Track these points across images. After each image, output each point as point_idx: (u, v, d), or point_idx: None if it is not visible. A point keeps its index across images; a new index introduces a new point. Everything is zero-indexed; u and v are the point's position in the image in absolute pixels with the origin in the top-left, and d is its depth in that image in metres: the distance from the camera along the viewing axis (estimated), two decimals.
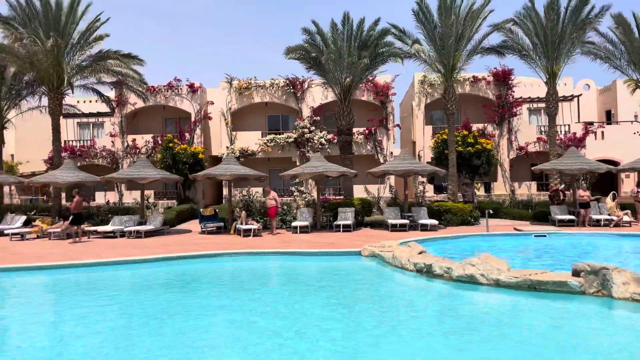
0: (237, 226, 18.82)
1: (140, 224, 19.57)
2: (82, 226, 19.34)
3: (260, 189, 27.33)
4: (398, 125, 31.57)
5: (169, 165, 27.18)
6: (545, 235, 16.69)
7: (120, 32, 72.35)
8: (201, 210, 21.13)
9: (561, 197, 21.97)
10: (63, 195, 23.20)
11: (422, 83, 29.96)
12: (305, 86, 30.05)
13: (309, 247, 14.36)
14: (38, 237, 18.92)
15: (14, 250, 15.01)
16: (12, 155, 35.14)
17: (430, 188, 28.33)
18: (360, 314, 7.81)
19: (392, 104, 29.89)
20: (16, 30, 21.59)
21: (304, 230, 18.93)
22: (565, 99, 30.29)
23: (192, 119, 30.64)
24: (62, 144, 25.56)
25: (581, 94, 33.01)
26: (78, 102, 31.41)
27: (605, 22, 55.35)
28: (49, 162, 30.15)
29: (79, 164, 26.54)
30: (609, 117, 35.60)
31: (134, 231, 18.44)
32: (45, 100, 24.86)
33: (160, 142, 29.58)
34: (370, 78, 27.77)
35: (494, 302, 8.42)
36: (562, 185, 23.13)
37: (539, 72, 23.51)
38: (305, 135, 29.28)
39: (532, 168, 22.10)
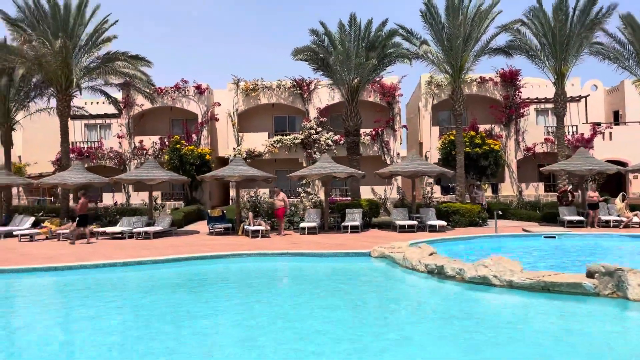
0: (244, 227, 18.82)
1: (148, 225, 19.60)
2: (91, 227, 19.43)
3: (267, 190, 27.38)
4: (405, 126, 31.51)
5: (176, 167, 27.23)
6: (554, 237, 16.61)
7: (121, 32, 72.66)
8: (209, 211, 21.15)
9: (570, 198, 21.86)
10: (71, 196, 23.25)
11: (429, 84, 29.89)
12: (312, 87, 30.05)
13: (318, 248, 14.33)
14: (47, 238, 18.98)
15: (23, 251, 15.06)
16: (20, 157, 35.29)
17: (437, 189, 28.24)
18: (374, 316, 7.79)
19: (399, 105, 29.84)
20: (25, 32, 21.69)
21: (311, 231, 18.90)
22: (573, 99, 30.15)
23: (199, 120, 30.69)
24: (70, 146, 25.63)
25: (589, 95, 32.83)
26: (85, 103, 31.53)
27: (613, 22, 55.16)
28: (56, 164, 30.24)
29: (86, 165, 26.61)
30: (617, 118, 35.40)
31: (142, 232, 18.46)
32: (53, 102, 24.98)
33: (167, 143, 29.65)
34: (377, 79, 27.73)
35: (508, 304, 8.37)
36: (570, 186, 23.01)
37: (547, 72, 23.42)
38: (312, 137, 29.26)
39: (541, 169, 21.99)
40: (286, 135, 29.99)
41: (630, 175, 30.69)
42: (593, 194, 19.48)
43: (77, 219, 17.51)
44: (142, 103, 30.29)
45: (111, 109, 30.61)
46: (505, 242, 15.98)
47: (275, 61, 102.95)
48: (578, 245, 15.46)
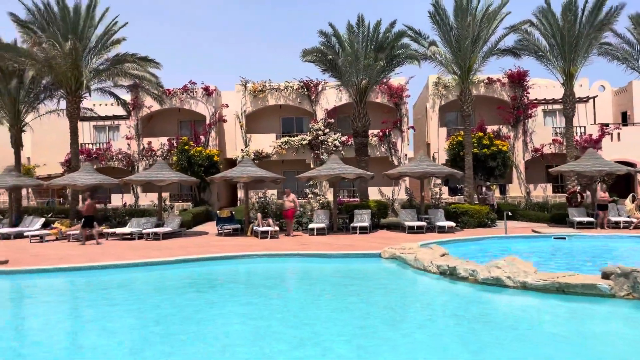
0: (253, 228, 18.86)
1: (157, 226, 19.68)
2: (100, 228, 19.53)
3: (275, 191, 27.42)
4: (412, 127, 31.46)
5: (185, 168, 27.32)
6: (564, 238, 16.56)
7: (128, 34, 72.91)
8: (218, 212, 21.21)
9: (579, 199, 21.78)
10: (80, 197, 23.36)
11: (436, 85, 29.83)
12: (320, 88, 30.06)
13: (328, 249, 14.36)
14: (57, 239, 19.09)
15: (34, 252, 15.16)
16: (29, 158, 35.47)
17: (445, 190, 28.20)
18: (389, 318, 7.80)
19: (406, 106, 29.82)
20: (35, 34, 21.82)
21: (320, 232, 18.92)
22: (581, 100, 30.01)
23: (207, 122, 30.76)
24: (79, 147, 25.71)
25: (597, 95, 32.68)
26: (94, 105, 31.67)
27: (622, 22, 54.89)
28: (65, 165, 30.41)
29: (95, 167, 26.72)
30: (625, 119, 35.20)
31: (151, 233, 18.52)
32: (62, 104, 25.11)
33: (175, 144, 29.75)
34: (385, 80, 27.71)
35: (523, 305, 8.36)
36: (578, 187, 22.94)
37: (555, 73, 23.36)
38: (320, 138, 29.27)
39: (550, 170, 21.93)
40: (294, 137, 30.02)
41: (639, 176, 30.51)
42: (603, 195, 19.40)
43: (83, 220, 17.63)
44: (150, 105, 30.41)
45: (120, 111, 30.74)
46: (515, 243, 15.95)
47: (283, 63, 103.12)
48: (589, 246, 15.41)
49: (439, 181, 26.83)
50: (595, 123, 31.49)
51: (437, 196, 23.18)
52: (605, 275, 8.44)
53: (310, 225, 19.00)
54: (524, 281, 8.79)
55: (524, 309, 8.20)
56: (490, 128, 28.59)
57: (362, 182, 22.78)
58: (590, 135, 29.34)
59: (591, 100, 31.78)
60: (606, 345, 6.31)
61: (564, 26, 22.10)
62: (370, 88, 22.73)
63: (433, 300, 9.20)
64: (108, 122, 33.44)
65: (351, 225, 19.45)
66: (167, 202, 27.53)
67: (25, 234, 19.30)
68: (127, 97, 29.75)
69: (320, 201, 24.12)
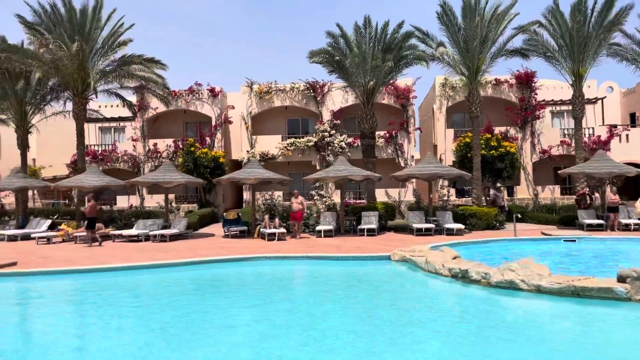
0: (260, 230, 18.77)
1: (164, 227, 19.62)
2: (107, 230, 19.52)
3: (281, 193, 27.32)
4: (419, 128, 31.30)
5: (191, 169, 27.26)
6: (574, 240, 16.39)
7: (133, 35, 73.06)
8: (224, 214, 21.14)
9: (588, 201, 21.61)
10: (86, 198, 23.37)
11: (443, 86, 29.67)
12: (326, 90, 29.96)
13: (337, 252, 14.26)
14: (64, 240, 19.04)
15: (42, 254, 15.09)
16: (34, 160, 35.50)
17: (452, 192, 28.03)
18: (401, 322, 7.68)
19: (413, 107, 29.69)
20: (42, 35, 21.82)
21: (328, 234, 18.81)
22: (589, 101, 29.80)
23: (213, 123, 30.70)
24: (85, 148, 25.71)
25: (605, 97, 32.45)
26: (100, 106, 31.67)
27: (631, 23, 54.64)
28: (71, 166, 30.40)
29: (100, 168, 26.69)
30: (634, 120, 34.92)
31: (158, 235, 18.46)
32: (69, 105, 25.12)
33: (181, 146, 29.70)
34: (392, 81, 27.60)
35: (538, 309, 8.23)
36: (587, 189, 22.76)
37: (564, 74, 23.22)
38: (326, 139, 29.17)
39: (559, 172, 21.75)
40: (299, 138, 29.92)
41: None
42: (613, 197, 19.22)
43: (86, 221, 17.62)
44: (156, 106, 30.40)
45: (125, 112, 30.75)
46: (525, 246, 15.78)
47: (288, 65, 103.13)
48: (599, 249, 15.25)
49: (445, 183, 26.67)
50: (603, 124, 31.24)
51: (445, 198, 23.02)
52: (621, 279, 8.29)
53: (318, 228, 18.90)
54: (539, 284, 8.65)
55: (539, 313, 8.07)
56: (497, 129, 28.41)
57: (369, 184, 22.66)
58: (599, 136, 29.12)
59: (599, 102, 31.57)
60: (623, 349, 6.18)
61: (573, 27, 21.96)
62: (378, 89, 22.63)
63: (447, 304, 9.06)
64: (113, 124, 33.42)
65: (359, 227, 19.33)
66: (173, 204, 27.52)
67: (32, 235, 19.27)
68: (132, 98, 29.73)
69: (326, 203, 24.01)
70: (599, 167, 19.59)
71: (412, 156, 29.56)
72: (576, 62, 22.43)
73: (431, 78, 33.04)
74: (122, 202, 29.54)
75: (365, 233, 18.91)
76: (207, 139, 30.32)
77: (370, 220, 19.69)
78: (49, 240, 18.67)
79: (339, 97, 29.93)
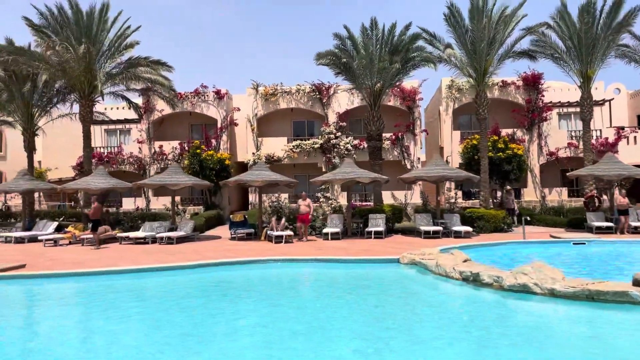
0: (268, 232, 18.70)
1: (171, 230, 19.58)
2: (114, 232, 19.53)
3: (287, 195, 27.26)
4: (425, 130, 31.19)
5: (197, 172, 27.24)
6: (584, 243, 16.25)
7: (138, 37, 73.31)
8: (231, 216, 21.08)
9: (596, 204, 21.45)
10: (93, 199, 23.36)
11: (449, 88, 29.59)
12: (331, 92, 29.91)
13: (345, 254, 14.18)
14: (70, 242, 19.01)
15: (50, 256, 15.07)
16: (40, 162, 35.58)
17: (458, 194, 27.91)
18: (414, 326, 7.59)
19: (419, 109, 29.60)
20: (49, 38, 21.86)
21: (335, 237, 18.71)
22: (597, 103, 29.65)
23: (219, 125, 30.68)
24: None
25: (612, 98, 32.29)
26: (105, 109, 31.73)
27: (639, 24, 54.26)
28: (77, 169, 30.45)
29: (106, 170, 26.73)
30: None
31: (165, 237, 18.41)
32: (75, 107, 25.16)
33: (187, 148, 29.70)
34: (398, 83, 27.53)
35: (553, 313, 8.12)
36: (595, 191, 22.60)
37: (572, 75, 23.08)
38: (331, 141, 29.12)
39: (568, 174, 21.59)
40: (305, 140, 29.87)
41: None
42: (623, 200, 19.06)
43: (91, 223, 17.65)
44: (162, 108, 30.45)
45: (131, 114, 30.82)
46: (534, 249, 15.68)
47: (294, 67, 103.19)
48: (610, 252, 15.11)
49: (452, 185, 26.54)
50: (611, 126, 31.08)
51: (453, 200, 22.90)
52: (637, 283, 8.18)
53: (325, 230, 18.81)
54: (552, 288, 8.55)
55: (554, 317, 7.97)
56: (504, 131, 28.29)
57: (375, 186, 22.57)
58: (607, 138, 28.97)
59: (607, 103, 31.41)
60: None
61: (581, 28, 21.85)
62: (385, 91, 22.55)
63: (460, 308, 8.93)
64: (119, 126, 33.46)
65: (366, 229, 19.23)
66: (179, 206, 27.50)
67: (39, 237, 19.26)
68: (138, 100, 29.77)
69: (332, 205, 23.93)
70: (608, 170, 19.44)
71: (419, 158, 29.47)
72: (584, 64, 22.31)
73: (437, 80, 32.98)
74: (128, 204, 29.57)
75: (373, 236, 18.81)
76: (213, 141, 30.31)
77: (377, 223, 19.59)
78: (55, 242, 18.66)
79: (345, 99, 29.88)
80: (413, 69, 22.32)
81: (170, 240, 18.41)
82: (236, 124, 31.44)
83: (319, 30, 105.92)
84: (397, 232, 20.65)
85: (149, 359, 6.14)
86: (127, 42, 23.23)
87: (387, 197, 27.10)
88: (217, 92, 30.75)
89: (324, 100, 29.95)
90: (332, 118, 29.78)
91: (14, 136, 33.56)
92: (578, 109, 25.54)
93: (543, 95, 29.29)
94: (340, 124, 29.54)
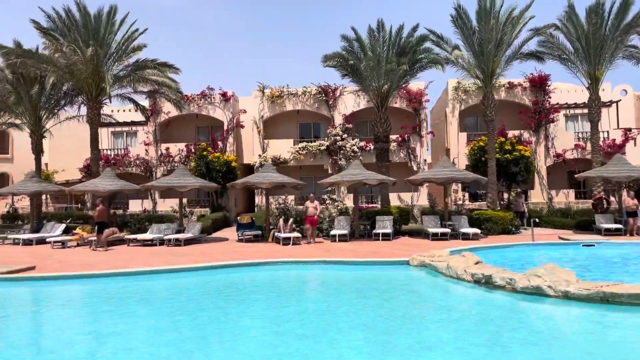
0: (275, 234, 18.69)
1: (178, 232, 19.59)
2: (122, 234, 19.56)
3: (293, 197, 27.23)
4: (432, 132, 31.14)
5: (203, 174, 27.26)
6: (594, 245, 16.18)
7: (145, 40, 73.58)
8: (238, 218, 21.09)
9: (605, 206, 21.36)
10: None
11: (456, 89, 29.53)
12: (338, 94, 29.90)
13: (353, 256, 14.15)
14: (78, 244, 19.04)
15: (58, 258, 15.09)
16: (47, 164, 35.71)
17: (465, 196, 27.83)
18: (430, 327, 7.54)
19: (425, 111, 29.55)
20: (57, 40, 21.93)
21: (342, 238, 18.68)
22: (604, 104, 29.54)
23: (225, 128, 30.72)
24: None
25: (620, 100, 32.16)
26: (112, 111, 31.82)
27: None
28: (84, 171, 30.54)
29: (113, 172, 26.80)
30: None
31: (172, 239, 18.42)
32: (83, 110, 25.23)
33: (193, 150, 29.74)
34: (405, 85, 27.52)
35: (568, 316, 8.07)
36: (602, 193, 22.50)
37: (580, 77, 23.00)
38: (338, 143, 29.10)
39: (576, 175, 21.50)
40: (311, 142, 29.87)
41: None
42: (631, 202, 18.97)
43: (96, 226, 17.70)
44: (168, 110, 30.51)
45: (137, 117, 30.89)
46: (544, 251, 15.62)
47: (300, 69, 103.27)
48: (620, 253, 15.01)
49: (459, 187, 26.45)
50: (618, 128, 30.95)
51: (460, 202, 22.82)
52: None
53: (332, 232, 18.78)
54: (566, 290, 8.49)
55: (570, 320, 7.92)
56: (511, 133, 28.20)
57: (382, 188, 22.53)
58: (614, 140, 28.85)
59: (614, 105, 31.29)
60: None
61: (589, 29, 21.78)
62: (392, 93, 22.52)
63: (473, 310, 8.86)
64: (126, 128, 33.53)
65: (373, 231, 19.19)
66: (186, 208, 27.52)
67: (47, 239, 19.29)
68: (145, 102, 29.83)
69: (339, 207, 23.91)
70: (617, 171, 19.36)
71: (425, 160, 29.40)
72: (592, 65, 22.23)
73: (442, 82, 32.85)
74: (135, 206, 29.62)
75: (380, 237, 18.77)
76: (219, 143, 30.34)
77: (384, 225, 19.55)
78: (63, 244, 18.71)
79: (351, 101, 29.87)
80: (420, 70, 22.29)
81: (178, 242, 18.42)
82: (242, 126, 31.46)
83: (321, 32, 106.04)
84: (404, 234, 20.59)
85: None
86: (134, 44, 23.30)
87: (393, 199, 27.02)
88: (224, 94, 30.79)
89: (330, 102, 29.94)
90: (338, 120, 29.77)
91: (21, 138, 33.70)
92: (585, 111, 25.45)
93: (550, 97, 29.20)
94: (347, 125, 29.52)
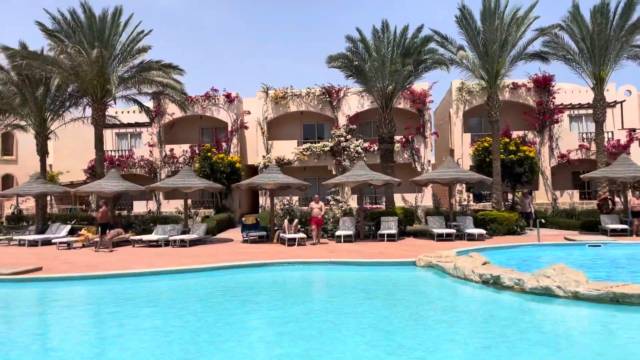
0: (280, 235, 18.69)
1: (183, 232, 19.61)
2: (127, 235, 19.59)
3: (297, 198, 27.20)
4: (436, 133, 31.10)
5: (207, 175, 27.27)
6: (599, 245, 16.15)
7: (147, 41, 73.54)
8: (243, 219, 21.10)
9: (610, 206, 21.30)
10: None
11: (460, 90, 29.49)
12: (341, 95, 29.90)
13: (359, 257, 14.14)
14: (84, 245, 19.08)
15: (64, 259, 15.12)
16: (51, 165, 35.78)
17: (470, 197, 27.77)
18: (438, 328, 7.53)
19: (429, 111, 29.53)
20: (62, 42, 21.95)
21: (347, 239, 18.67)
22: (608, 105, 29.46)
23: (229, 129, 30.73)
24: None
25: (624, 100, 32.08)
26: (117, 112, 31.86)
27: None
28: (88, 172, 30.59)
29: (118, 174, 26.82)
30: None
31: (178, 240, 18.43)
32: (88, 111, 25.26)
33: (197, 151, 29.77)
34: (409, 85, 27.49)
35: (578, 316, 8.05)
36: (607, 194, 22.44)
37: (585, 77, 22.94)
38: (342, 144, 29.09)
39: (582, 176, 21.45)
40: (315, 143, 29.87)
41: None
42: (637, 202, 18.92)
43: (99, 227, 17.72)
44: (172, 112, 30.55)
45: (142, 118, 30.92)
46: (550, 251, 15.59)
47: (304, 70, 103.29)
48: (627, 254, 14.98)
49: (463, 187, 26.40)
50: (623, 128, 30.88)
51: (465, 203, 22.79)
52: None
53: (337, 233, 18.77)
54: (576, 291, 8.47)
55: (580, 320, 7.90)
56: (515, 134, 28.15)
57: (387, 189, 22.51)
58: (618, 140, 28.79)
59: (618, 105, 31.22)
60: None
61: (594, 30, 21.73)
62: (396, 94, 22.51)
63: (483, 311, 8.84)
64: (130, 130, 33.57)
65: (378, 232, 19.17)
66: (191, 209, 27.52)
67: (53, 240, 19.32)
68: (149, 104, 29.86)
69: (343, 208, 23.89)
70: (623, 172, 19.31)
71: (429, 161, 29.38)
72: (597, 65, 22.18)
73: (446, 82, 32.82)
74: (139, 207, 29.65)
75: (385, 238, 18.74)
76: (223, 144, 30.37)
77: (389, 226, 19.51)
78: (69, 245, 18.73)
79: (355, 102, 29.85)
80: (425, 71, 22.25)
81: (183, 243, 18.44)
82: (246, 127, 31.46)
83: (321, 32, 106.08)
84: (409, 235, 20.57)
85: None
86: (139, 46, 23.31)
87: (397, 200, 27.03)
88: (228, 96, 30.81)
89: (334, 103, 29.94)
90: (342, 121, 29.76)
91: (25, 139, 33.81)
92: (589, 111, 25.38)
93: (554, 97, 29.13)
94: (351, 126, 29.51)
